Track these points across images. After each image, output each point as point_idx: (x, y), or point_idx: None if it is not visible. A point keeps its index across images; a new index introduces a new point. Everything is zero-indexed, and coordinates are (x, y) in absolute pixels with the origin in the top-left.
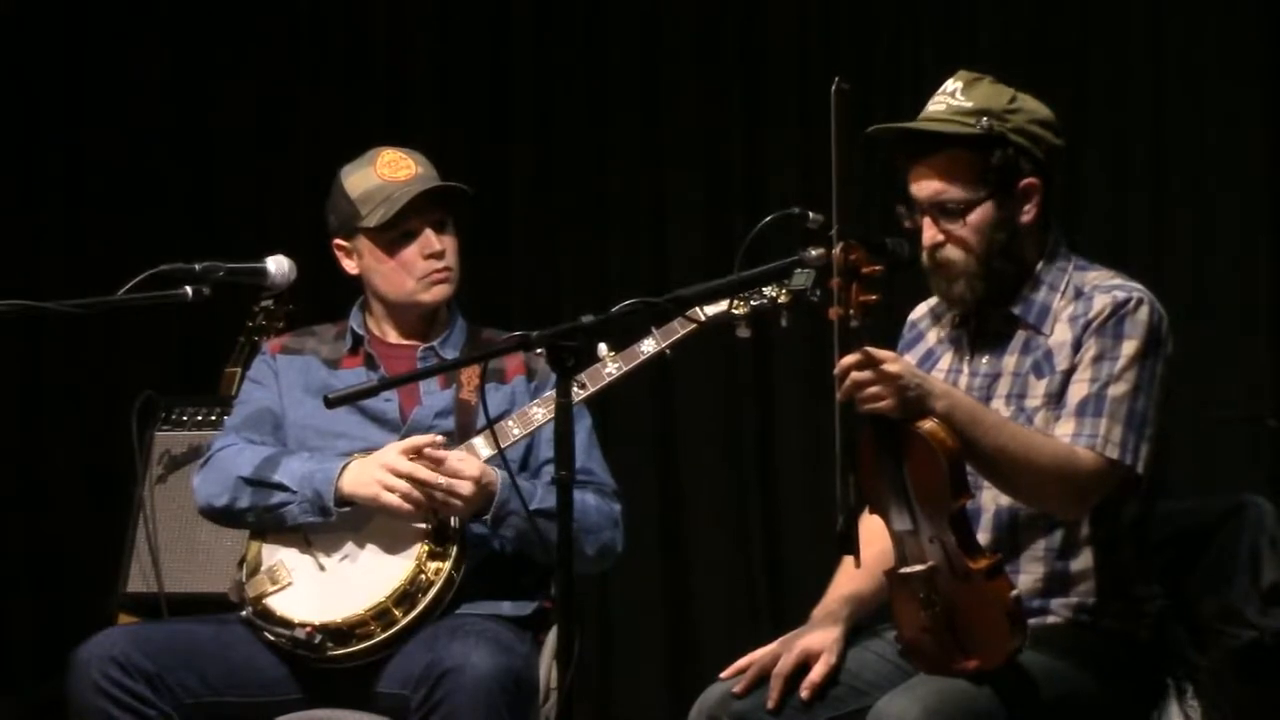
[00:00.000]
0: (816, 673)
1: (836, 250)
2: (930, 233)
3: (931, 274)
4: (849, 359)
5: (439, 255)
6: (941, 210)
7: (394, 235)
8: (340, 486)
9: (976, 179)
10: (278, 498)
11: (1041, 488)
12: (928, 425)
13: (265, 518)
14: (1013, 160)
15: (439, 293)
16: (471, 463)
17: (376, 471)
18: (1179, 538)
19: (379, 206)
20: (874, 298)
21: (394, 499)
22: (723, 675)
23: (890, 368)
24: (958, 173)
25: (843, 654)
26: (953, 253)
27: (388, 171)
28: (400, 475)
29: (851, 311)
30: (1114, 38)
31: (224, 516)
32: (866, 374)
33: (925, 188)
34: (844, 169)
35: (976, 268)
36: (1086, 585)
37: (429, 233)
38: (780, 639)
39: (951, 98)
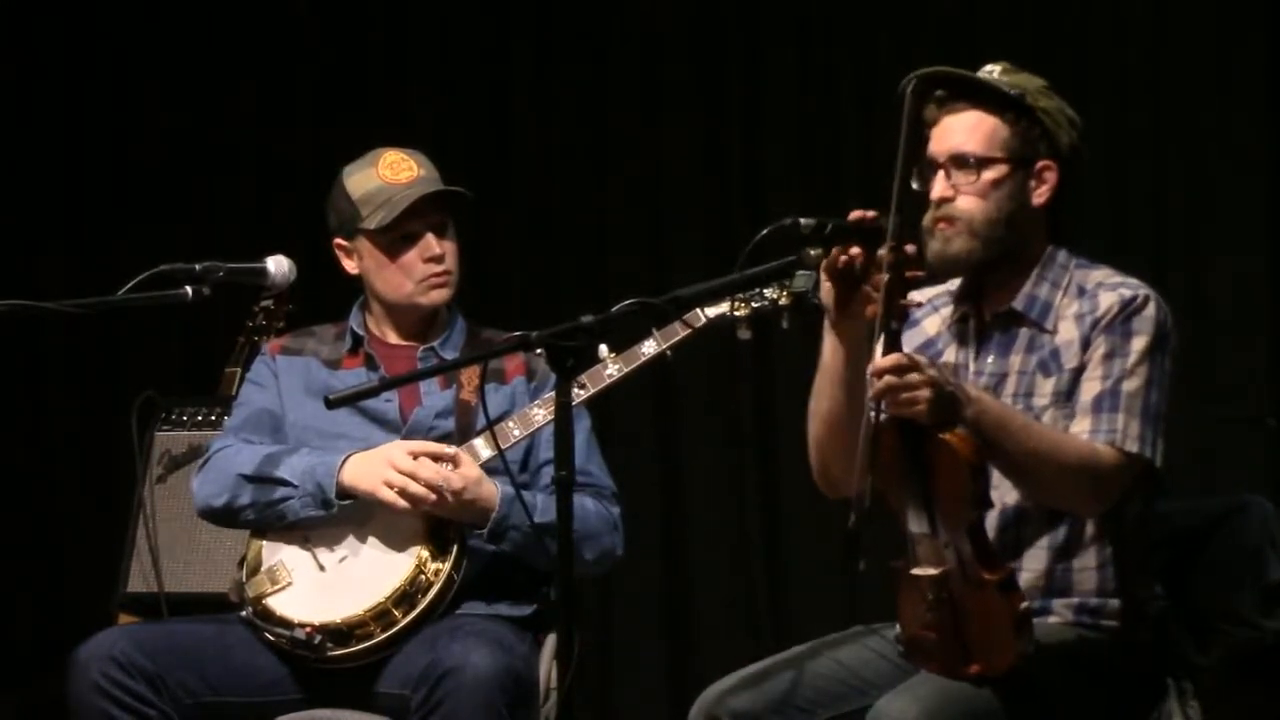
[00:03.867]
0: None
1: (884, 250)
2: (942, 185)
3: (932, 235)
4: (887, 361)
5: (439, 259)
6: (958, 164)
7: (394, 238)
8: (341, 479)
9: (997, 142)
10: (279, 493)
11: (1066, 486)
12: (955, 435)
13: (266, 514)
14: (1036, 136)
15: (438, 296)
16: (468, 469)
17: (379, 466)
18: (1179, 537)
19: (380, 209)
20: (914, 301)
21: (391, 495)
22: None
23: (927, 373)
24: (979, 130)
25: None
26: (961, 205)
27: (389, 173)
28: (402, 473)
29: (891, 313)
30: (1114, 38)
31: (223, 516)
32: (904, 378)
33: (947, 140)
34: (907, 171)
35: (980, 226)
36: (1088, 585)
37: (429, 236)
38: None
39: (990, 75)
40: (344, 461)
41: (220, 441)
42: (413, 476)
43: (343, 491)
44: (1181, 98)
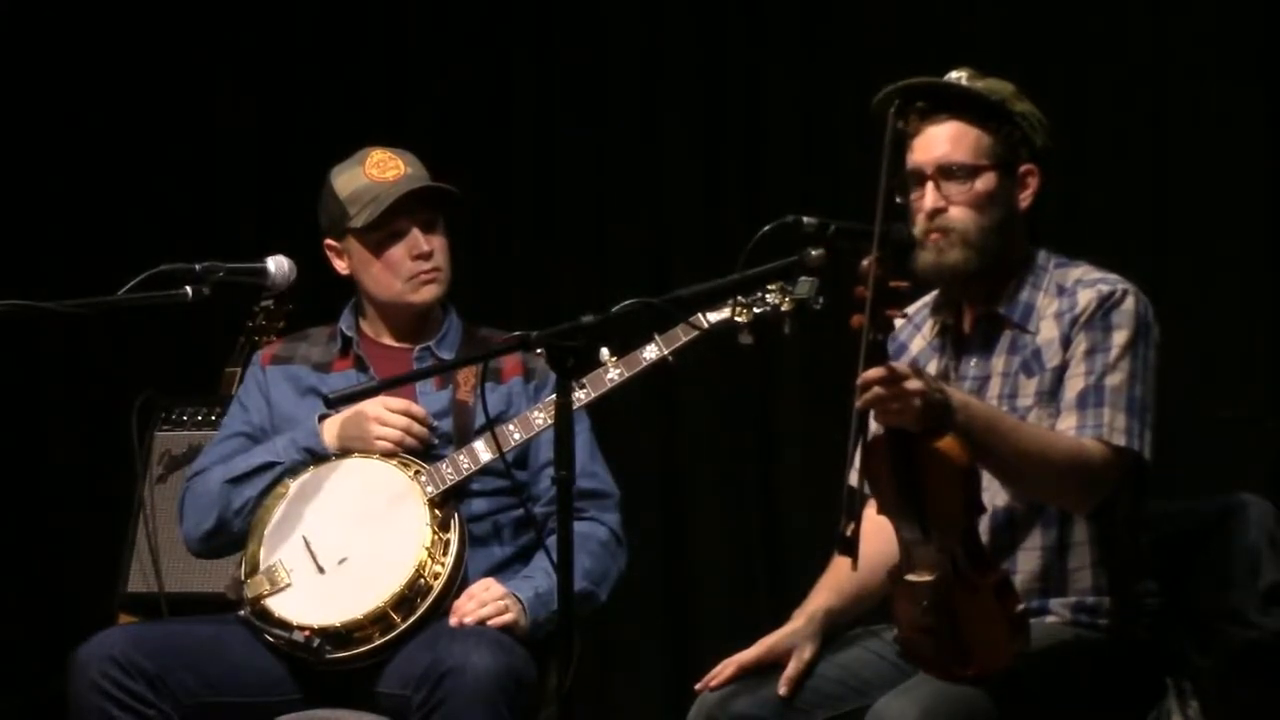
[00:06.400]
0: (791, 668)
1: (868, 261)
2: (933, 197)
3: (926, 248)
4: (873, 373)
5: (427, 256)
6: (947, 174)
7: (381, 235)
8: (326, 442)
9: (983, 150)
10: (267, 476)
11: (1057, 485)
12: (945, 441)
13: (263, 501)
14: (1017, 140)
15: (428, 293)
16: (494, 591)
17: (363, 424)
18: (1179, 538)
19: (366, 207)
20: (899, 311)
21: (388, 445)
22: (698, 686)
23: (914, 383)
24: (966, 140)
25: (816, 655)
26: (955, 215)
27: (376, 172)
28: (392, 409)
29: (876, 324)
30: (1114, 37)
31: (220, 534)
32: (891, 388)
33: (932, 150)
34: (891, 183)
35: (976, 236)
36: (1084, 583)
37: (416, 233)
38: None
39: (957, 82)
40: (320, 423)
41: (192, 471)
42: (407, 413)
43: (332, 450)
44: (1183, 97)
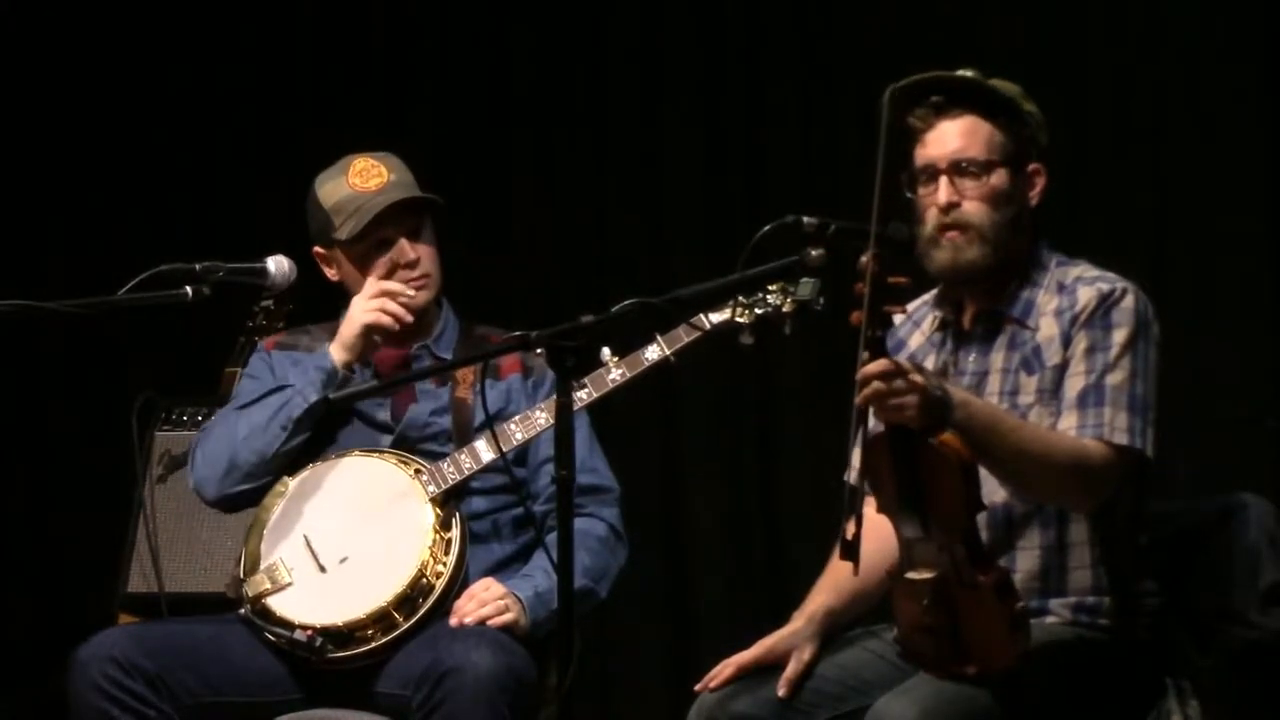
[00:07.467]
0: (791, 669)
1: (867, 258)
2: (948, 191)
3: (938, 244)
4: (874, 367)
5: (413, 264)
6: (960, 170)
7: (366, 246)
8: (334, 358)
9: (996, 145)
10: (277, 398)
11: (1059, 484)
12: (946, 439)
13: (271, 428)
14: (1025, 138)
15: (418, 299)
16: (494, 591)
17: (354, 315)
18: (1179, 538)
19: (350, 218)
20: (898, 307)
21: (377, 315)
22: (697, 688)
23: (914, 378)
24: (979, 135)
25: (815, 656)
26: (971, 210)
27: (359, 181)
28: (369, 295)
29: (874, 319)
30: (1114, 36)
31: (231, 474)
32: (891, 384)
33: (947, 145)
34: (888, 176)
35: (992, 231)
36: (1083, 583)
37: (403, 242)
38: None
39: (972, 77)
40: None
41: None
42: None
43: (341, 363)
44: (1182, 96)
